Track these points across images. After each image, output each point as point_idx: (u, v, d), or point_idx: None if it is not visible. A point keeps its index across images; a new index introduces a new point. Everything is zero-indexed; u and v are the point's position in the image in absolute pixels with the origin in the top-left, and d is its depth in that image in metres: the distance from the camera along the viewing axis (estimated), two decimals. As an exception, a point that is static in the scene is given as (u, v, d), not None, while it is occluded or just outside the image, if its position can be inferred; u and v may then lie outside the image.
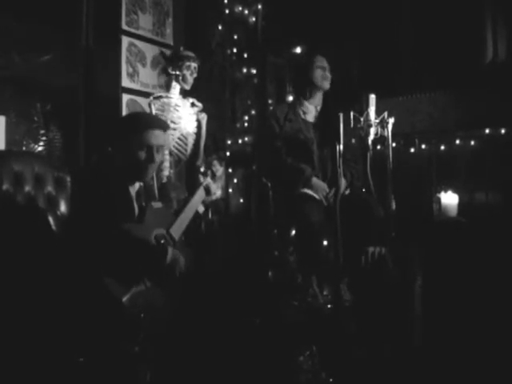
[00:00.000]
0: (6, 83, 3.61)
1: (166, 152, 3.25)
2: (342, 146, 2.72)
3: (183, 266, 2.28)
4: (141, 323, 2.08)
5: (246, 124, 4.34)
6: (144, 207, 2.37)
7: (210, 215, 3.70)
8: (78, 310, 2.10)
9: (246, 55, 4.33)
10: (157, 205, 2.46)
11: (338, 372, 2.59)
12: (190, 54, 3.36)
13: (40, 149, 3.66)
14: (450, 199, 3.13)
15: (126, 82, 3.88)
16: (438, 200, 3.15)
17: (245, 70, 4.34)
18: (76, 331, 2.11)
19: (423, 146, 3.93)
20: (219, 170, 2.90)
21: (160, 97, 3.30)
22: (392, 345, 2.73)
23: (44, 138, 3.68)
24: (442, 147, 3.85)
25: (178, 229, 2.44)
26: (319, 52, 3.30)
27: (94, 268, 2.08)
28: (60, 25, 3.85)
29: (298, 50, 4.27)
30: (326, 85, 3.24)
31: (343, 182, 2.98)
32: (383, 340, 2.75)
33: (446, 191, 3.15)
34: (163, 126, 2.42)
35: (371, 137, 2.79)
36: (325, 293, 3.04)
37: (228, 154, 4.19)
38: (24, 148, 3.62)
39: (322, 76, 3.21)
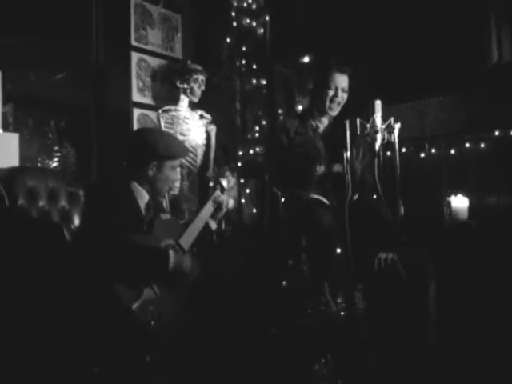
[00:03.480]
0: (20, 101, 3.70)
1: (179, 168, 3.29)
2: (349, 153, 2.74)
3: (189, 270, 2.31)
4: (151, 331, 2.11)
5: (256, 134, 4.37)
6: (152, 219, 2.42)
7: (223, 226, 3.73)
8: (89, 319, 2.15)
9: (254, 66, 4.37)
10: (165, 216, 2.50)
11: (353, 379, 2.58)
12: (198, 67, 3.42)
13: (55, 165, 3.74)
14: (460, 203, 3.12)
15: (136, 97, 3.94)
16: (449, 204, 3.14)
17: (254, 81, 4.37)
18: (88, 340, 2.15)
19: (433, 151, 3.91)
20: (231, 180, 2.92)
21: (169, 110, 3.36)
22: (407, 351, 2.71)
23: (58, 154, 3.76)
24: (452, 151, 3.83)
25: (187, 239, 2.48)
26: (338, 68, 3.08)
27: (104, 277, 2.12)
28: (72, 44, 3.95)
29: (306, 59, 4.30)
30: (333, 112, 3.14)
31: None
32: (398, 346, 2.74)
33: (456, 195, 3.14)
34: (185, 153, 2.50)
35: (378, 143, 2.79)
36: (339, 300, 3.03)
37: (239, 164, 4.21)
38: (39, 164, 3.71)
39: (332, 100, 3.09)
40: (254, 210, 4.22)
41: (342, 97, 3.12)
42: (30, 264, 2.44)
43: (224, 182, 2.79)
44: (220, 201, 2.70)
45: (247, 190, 4.23)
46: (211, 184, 3.14)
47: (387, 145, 2.84)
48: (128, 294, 2.15)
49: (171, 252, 2.28)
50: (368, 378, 2.58)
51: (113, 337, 2.12)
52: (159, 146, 2.37)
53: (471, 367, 2.61)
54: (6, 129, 3.39)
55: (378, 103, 2.81)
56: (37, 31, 3.80)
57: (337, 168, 3.02)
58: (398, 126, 2.77)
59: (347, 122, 2.75)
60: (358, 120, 2.78)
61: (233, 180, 2.97)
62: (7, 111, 3.62)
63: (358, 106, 3.19)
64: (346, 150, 2.74)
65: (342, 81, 3.10)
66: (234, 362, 2.52)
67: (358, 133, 2.80)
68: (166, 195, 2.69)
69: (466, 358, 2.68)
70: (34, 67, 3.92)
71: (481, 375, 2.54)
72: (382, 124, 2.79)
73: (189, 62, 3.55)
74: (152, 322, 2.12)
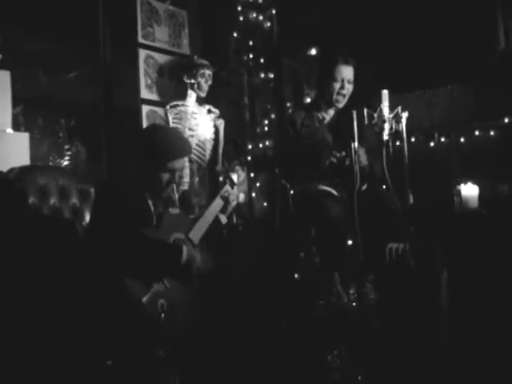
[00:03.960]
0: (30, 102, 3.74)
1: (187, 163, 3.31)
2: (356, 144, 2.74)
3: (200, 263, 2.32)
4: (161, 324, 2.13)
5: (266, 128, 4.38)
6: (161, 213, 2.43)
7: (234, 220, 3.74)
8: (101, 313, 2.17)
9: (262, 60, 4.37)
10: (174, 211, 2.51)
11: (366, 370, 2.59)
12: (204, 61, 3.43)
13: (65, 163, 3.78)
14: (470, 191, 3.09)
15: (144, 94, 3.96)
16: (459, 192, 3.12)
17: (262, 75, 4.38)
18: (100, 334, 2.17)
19: (442, 140, 3.90)
20: (241, 175, 2.92)
21: (176, 105, 3.38)
22: (419, 341, 2.70)
23: (69, 153, 3.79)
24: (462, 139, 3.81)
25: (196, 233, 2.49)
26: (344, 59, 3.09)
27: (114, 271, 2.14)
28: (80, 43, 3.99)
29: (313, 51, 4.29)
30: (340, 104, 3.15)
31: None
32: (410, 337, 2.73)
33: (465, 183, 3.12)
34: (190, 150, 2.49)
35: (386, 132, 2.78)
36: (351, 291, 3.03)
37: (249, 158, 4.22)
38: (50, 163, 3.75)
39: (339, 92, 3.09)
40: (265, 204, 4.23)
41: (348, 88, 3.12)
42: (42, 260, 2.47)
43: (234, 176, 2.79)
44: (229, 195, 2.71)
45: (257, 184, 4.24)
46: (221, 178, 3.14)
47: (396, 134, 2.84)
48: (138, 288, 2.17)
49: (184, 246, 2.29)
50: (380, 368, 2.58)
51: (124, 330, 2.14)
52: (158, 149, 2.36)
53: (483, 357, 2.59)
54: (17, 129, 3.43)
55: (385, 93, 2.80)
56: (45, 32, 3.83)
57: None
58: (405, 115, 2.76)
59: (354, 113, 2.75)
60: (365, 110, 2.78)
61: (243, 174, 2.98)
62: (18, 112, 3.67)
63: (365, 96, 3.18)
64: (354, 141, 2.75)
65: (347, 72, 3.10)
66: (246, 354, 2.53)
67: (366, 123, 2.80)
68: (175, 190, 2.69)
69: (479, 349, 2.66)
70: (43, 67, 3.96)
71: (496, 364, 2.52)
72: (389, 113, 2.79)
73: (195, 57, 3.56)
74: (162, 315, 2.14)
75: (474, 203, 3.09)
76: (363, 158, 2.96)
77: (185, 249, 2.28)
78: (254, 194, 4.22)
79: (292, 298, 3.07)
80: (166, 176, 2.35)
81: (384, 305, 2.86)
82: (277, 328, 2.85)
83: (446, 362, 2.59)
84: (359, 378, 2.57)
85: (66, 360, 2.24)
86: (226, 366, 2.40)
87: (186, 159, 2.48)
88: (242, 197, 4.00)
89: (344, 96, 3.13)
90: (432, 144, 3.94)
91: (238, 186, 2.84)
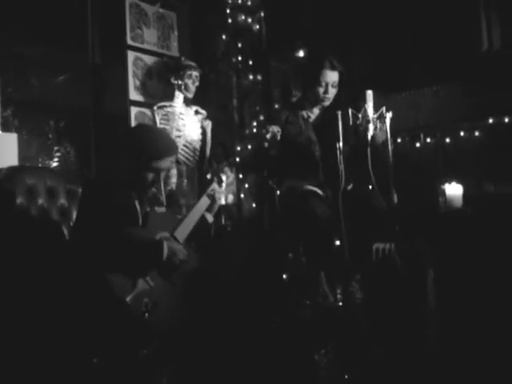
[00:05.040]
0: (20, 103, 3.75)
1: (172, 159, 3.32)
2: (341, 144, 2.77)
3: (184, 257, 2.33)
4: (146, 323, 2.14)
5: (254, 130, 4.40)
6: (147, 213, 2.45)
7: (223, 221, 3.76)
8: (85, 312, 2.18)
9: (251, 62, 4.40)
10: (160, 210, 2.53)
11: (353, 368, 2.60)
12: (191, 63, 3.45)
13: (55, 164, 3.79)
14: (454, 190, 3.13)
15: (133, 95, 3.96)
16: (443, 192, 3.16)
17: (251, 77, 4.40)
18: (86, 333, 2.18)
19: (428, 140, 3.93)
20: (230, 176, 2.94)
21: (164, 106, 3.40)
22: (407, 340, 2.72)
23: (58, 154, 3.80)
24: (448, 140, 3.85)
25: (182, 232, 2.51)
26: (330, 64, 3.12)
27: (98, 270, 2.16)
28: (71, 46, 4.00)
29: (301, 53, 4.32)
30: (325, 103, 3.19)
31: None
32: (398, 335, 2.75)
33: (450, 183, 3.15)
34: (175, 151, 2.50)
35: (370, 132, 2.81)
36: (337, 291, 3.05)
37: (238, 159, 4.24)
38: (39, 164, 3.75)
39: (324, 95, 3.14)
40: (254, 205, 4.24)
41: (332, 92, 3.17)
42: (28, 261, 2.48)
43: (223, 177, 2.81)
44: (215, 193, 2.72)
45: (246, 185, 4.26)
46: (208, 176, 3.16)
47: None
48: (122, 287, 2.18)
49: (164, 242, 2.30)
50: (368, 367, 2.60)
51: (108, 329, 2.16)
52: (143, 147, 2.37)
53: (474, 355, 2.60)
54: (7, 131, 3.44)
55: (370, 93, 2.83)
56: (34, 34, 3.84)
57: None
58: (389, 115, 2.79)
59: (339, 113, 2.78)
60: (349, 110, 2.81)
61: (232, 175, 2.99)
62: (9, 115, 3.68)
63: (350, 97, 3.22)
64: (339, 141, 2.77)
65: (332, 77, 3.14)
66: (234, 353, 2.55)
67: (350, 123, 2.83)
68: (163, 189, 2.71)
69: (467, 346, 2.68)
70: (33, 70, 3.97)
71: (484, 363, 2.54)
72: (373, 114, 2.82)
73: (182, 58, 3.58)
74: (146, 314, 2.16)
75: (459, 202, 3.13)
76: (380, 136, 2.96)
77: (165, 244, 2.29)
78: (242, 195, 4.24)
79: (279, 298, 3.09)
80: (150, 175, 2.37)
81: (370, 304, 2.88)
82: (264, 327, 2.87)
83: (434, 361, 2.61)
84: (346, 376, 2.59)
85: (51, 358, 2.25)
86: (214, 364, 2.41)
87: (172, 159, 2.48)
88: (230, 198, 4.03)
89: (328, 99, 3.17)
90: (418, 144, 3.98)
91: (226, 186, 2.86)
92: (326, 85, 3.13)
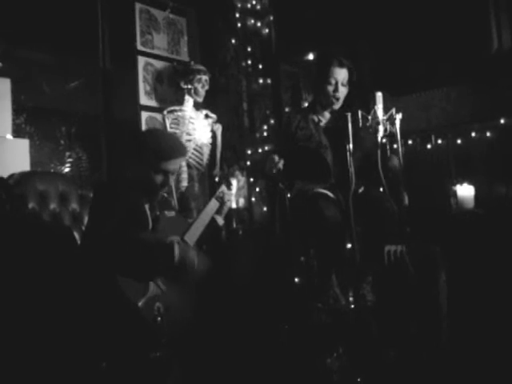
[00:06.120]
0: (33, 110, 3.79)
1: (184, 164, 3.34)
2: (351, 146, 2.76)
3: (195, 262, 2.33)
4: (158, 327, 2.14)
5: (265, 133, 4.40)
6: (157, 216, 2.45)
7: (234, 224, 3.76)
8: (97, 317, 2.19)
9: (260, 66, 4.41)
10: (170, 213, 2.53)
11: (365, 371, 2.59)
12: (201, 67, 3.47)
13: (67, 170, 3.82)
14: (466, 191, 3.11)
15: (144, 100, 3.99)
16: (455, 193, 3.14)
17: (261, 81, 4.41)
18: (96, 337, 2.19)
19: (439, 142, 3.91)
20: (241, 180, 2.93)
21: (174, 110, 3.42)
22: (419, 343, 2.70)
23: (70, 160, 3.84)
24: (459, 141, 3.83)
25: (192, 235, 2.51)
26: (338, 62, 3.12)
27: (111, 274, 2.16)
28: (82, 53, 4.04)
29: (311, 56, 4.32)
30: (335, 106, 3.18)
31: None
32: (410, 338, 2.73)
33: (461, 184, 3.13)
34: (183, 152, 2.50)
35: (380, 134, 2.80)
36: (349, 294, 3.03)
37: (249, 163, 4.24)
38: (52, 170, 3.79)
39: (333, 95, 3.14)
40: (265, 209, 4.24)
41: (342, 91, 3.16)
42: (41, 265, 2.49)
43: (234, 181, 2.80)
44: (225, 195, 2.71)
45: (257, 189, 4.26)
46: (217, 179, 3.17)
47: (394, 137, 2.85)
48: (134, 291, 2.18)
49: (176, 244, 2.30)
50: (380, 370, 2.58)
51: (120, 333, 2.16)
52: (151, 149, 2.37)
53: (486, 358, 2.58)
54: (20, 137, 3.47)
55: (379, 95, 2.82)
56: (46, 42, 3.88)
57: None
58: (399, 116, 2.78)
59: (349, 115, 2.78)
60: (359, 112, 2.81)
61: (242, 179, 2.99)
62: (22, 122, 3.72)
63: (360, 99, 3.21)
64: (349, 143, 2.77)
65: (341, 75, 3.14)
66: (246, 357, 2.55)
67: (361, 125, 2.82)
68: (174, 193, 2.71)
69: (479, 350, 2.66)
70: (44, 77, 4.01)
71: (496, 366, 2.52)
72: (383, 115, 2.81)
73: (192, 62, 3.60)
74: (158, 319, 2.16)
75: (470, 204, 3.11)
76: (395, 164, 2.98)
77: (176, 246, 2.28)
78: (253, 199, 4.24)
79: (291, 302, 3.09)
80: (159, 178, 2.37)
81: (382, 307, 2.87)
82: (276, 331, 2.86)
83: (446, 364, 2.59)
84: (359, 379, 2.58)
85: (62, 361, 2.26)
86: (226, 368, 2.41)
87: (181, 162, 2.49)
88: (241, 201, 4.03)
89: (338, 98, 3.17)
90: (429, 146, 3.96)
91: (237, 190, 2.85)
92: (336, 83, 3.13)
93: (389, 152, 2.82)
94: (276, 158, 2.92)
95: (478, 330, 2.79)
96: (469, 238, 3.06)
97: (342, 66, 3.13)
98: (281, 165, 2.91)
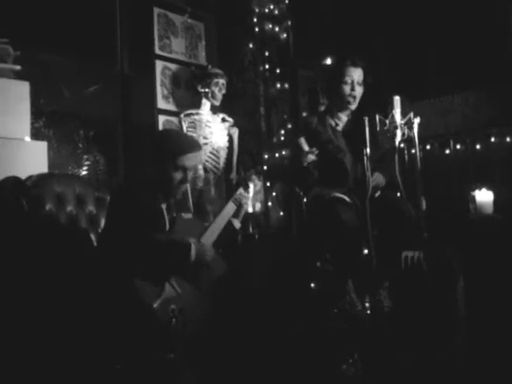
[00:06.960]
0: (50, 114, 3.82)
1: (200, 167, 3.35)
2: (368, 150, 2.74)
3: (211, 259, 2.33)
4: (173, 329, 2.14)
5: (282, 138, 4.40)
6: (174, 218, 2.46)
7: (250, 228, 3.76)
8: (112, 318, 2.20)
9: (278, 70, 4.41)
10: (187, 216, 2.54)
11: (381, 378, 2.56)
12: (218, 71, 3.49)
13: (84, 173, 3.84)
14: (484, 196, 3.08)
15: (161, 104, 4.03)
16: (473, 198, 3.10)
17: (278, 85, 4.42)
18: (111, 338, 2.20)
19: (458, 147, 3.88)
20: (257, 184, 2.93)
21: (191, 114, 3.43)
22: (435, 349, 2.67)
23: (87, 163, 3.86)
24: (478, 146, 3.79)
25: (209, 238, 2.51)
26: (352, 61, 3.14)
27: (126, 275, 2.17)
28: (100, 58, 4.07)
29: (328, 61, 4.32)
30: (352, 106, 3.17)
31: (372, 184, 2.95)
32: (427, 344, 2.70)
33: (480, 189, 3.10)
34: (198, 147, 2.51)
35: (398, 138, 2.78)
36: (366, 299, 3.01)
37: (265, 168, 4.24)
38: (69, 173, 3.81)
39: (350, 94, 3.13)
40: (281, 213, 4.23)
41: (358, 91, 3.16)
42: (57, 267, 2.51)
43: (250, 185, 2.80)
44: (242, 198, 2.71)
45: (274, 193, 4.25)
46: (234, 182, 3.17)
47: (411, 142, 2.83)
48: (149, 293, 2.19)
49: (192, 243, 2.30)
50: (396, 376, 2.56)
51: (135, 335, 2.17)
52: (167, 146, 2.40)
53: (502, 366, 2.54)
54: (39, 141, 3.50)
55: (397, 99, 2.80)
56: (64, 46, 3.92)
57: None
58: (417, 121, 2.76)
59: (366, 119, 2.76)
60: (377, 116, 2.79)
61: (259, 183, 2.99)
62: (41, 126, 3.75)
63: (378, 103, 3.19)
64: (366, 147, 2.75)
65: (356, 74, 3.14)
66: (261, 361, 2.53)
67: (378, 129, 2.80)
68: (190, 195, 2.72)
69: (497, 356, 2.62)
70: (63, 81, 4.04)
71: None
72: (401, 120, 2.79)
73: (209, 66, 3.62)
74: (173, 320, 2.16)
75: (489, 209, 3.07)
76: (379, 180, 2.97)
77: (193, 245, 2.29)
78: (270, 203, 4.23)
79: (307, 306, 3.07)
80: (178, 175, 2.38)
81: (399, 312, 2.84)
82: (291, 335, 2.85)
83: (463, 370, 2.56)
84: (375, 386, 2.56)
85: (78, 362, 2.27)
86: (239, 371, 2.40)
87: (197, 158, 2.48)
88: (258, 206, 4.02)
89: (354, 98, 3.16)
90: (447, 151, 3.92)
91: (254, 195, 2.85)
92: (352, 81, 3.13)
93: (371, 171, 2.81)
94: (305, 145, 2.92)
95: (496, 337, 2.75)
96: (487, 244, 3.02)
97: (356, 65, 3.14)
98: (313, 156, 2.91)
